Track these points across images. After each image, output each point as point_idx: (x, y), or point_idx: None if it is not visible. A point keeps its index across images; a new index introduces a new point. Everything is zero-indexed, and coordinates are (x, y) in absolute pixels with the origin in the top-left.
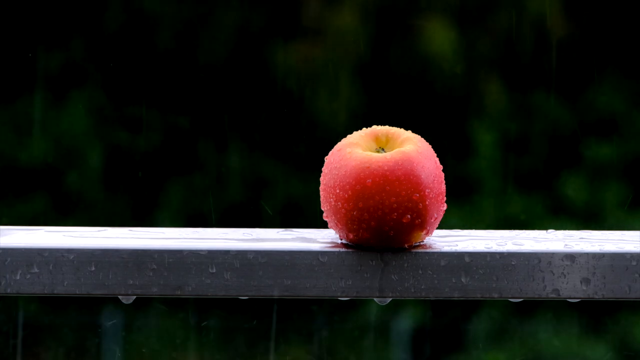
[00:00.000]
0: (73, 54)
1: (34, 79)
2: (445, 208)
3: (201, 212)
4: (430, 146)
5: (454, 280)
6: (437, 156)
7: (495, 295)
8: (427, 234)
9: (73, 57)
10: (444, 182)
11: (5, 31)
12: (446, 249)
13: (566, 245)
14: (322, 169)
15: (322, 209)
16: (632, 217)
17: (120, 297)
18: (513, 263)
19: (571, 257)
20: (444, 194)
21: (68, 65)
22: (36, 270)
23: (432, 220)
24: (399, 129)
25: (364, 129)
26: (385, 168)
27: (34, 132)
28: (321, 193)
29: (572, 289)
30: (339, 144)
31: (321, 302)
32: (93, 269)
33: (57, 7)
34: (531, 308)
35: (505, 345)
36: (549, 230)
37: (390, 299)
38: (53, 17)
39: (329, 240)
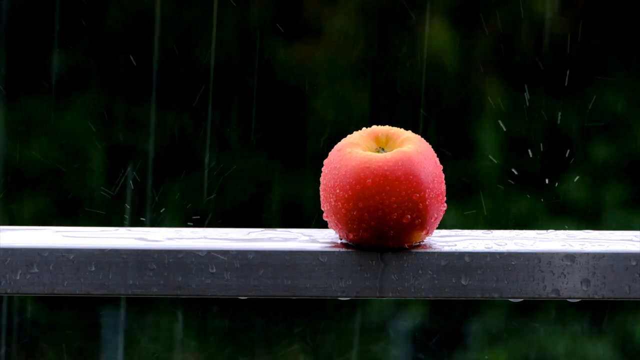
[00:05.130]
0: (75, 54)
1: (36, 80)
2: (445, 208)
3: (201, 212)
4: (430, 146)
5: (454, 280)
6: (437, 156)
7: (495, 295)
8: (427, 234)
9: (75, 58)
10: (444, 182)
11: (8, 32)
12: (446, 249)
13: (566, 245)
14: (322, 169)
15: (322, 209)
16: (632, 217)
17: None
18: (513, 263)
19: (571, 257)
20: (444, 194)
21: (70, 65)
22: (36, 270)
23: (432, 220)
24: (399, 129)
25: (364, 128)
26: (385, 168)
27: (35, 132)
28: (321, 193)
29: (572, 289)
30: (339, 144)
31: (321, 302)
32: (93, 269)
33: (59, 8)
34: (531, 308)
35: (505, 345)
36: (549, 230)
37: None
38: (55, 18)
39: (329, 240)
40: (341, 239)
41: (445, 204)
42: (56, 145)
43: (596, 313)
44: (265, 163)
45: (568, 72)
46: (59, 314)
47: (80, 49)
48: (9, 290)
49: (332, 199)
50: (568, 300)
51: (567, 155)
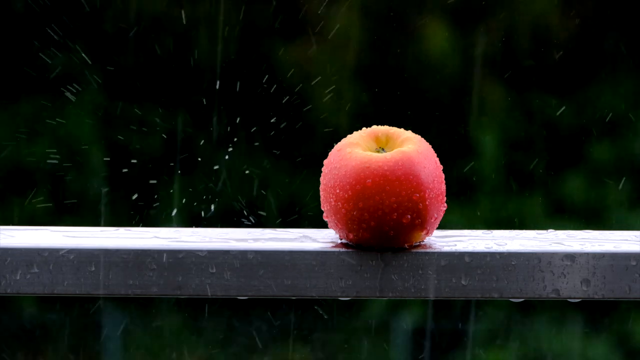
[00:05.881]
0: (75, 54)
1: (36, 80)
2: (445, 208)
3: (201, 212)
4: (430, 146)
5: (454, 280)
6: (437, 156)
7: (495, 295)
8: (427, 234)
9: (74, 58)
10: (444, 182)
11: (7, 31)
12: (446, 249)
13: (566, 245)
14: (322, 169)
15: (322, 209)
16: (632, 217)
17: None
18: (513, 263)
19: (571, 257)
20: (444, 194)
21: (70, 65)
22: (36, 270)
23: (432, 220)
24: (399, 129)
25: (364, 129)
26: (385, 168)
27: (35, 132)
28: (321, 193)
29: (572, 289)
30: (339, 144)
31: (321, 301)
32: (93, 269)
33: (59, 8)
34: (532, 307)
35: (505, 345)
36: (549, 230)
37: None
38: (55, 18)
39: (329, 240)
40: (341, 239)
41: (445, 204)
42: (56, 145)
43: (596, 313)
44: (265, 163)
45: (568, 72)
46: (59, 313)
47: (81, 49)
48: (9, 290)
49: (332, 199)
50: (568, 300)
51: (567, 155)
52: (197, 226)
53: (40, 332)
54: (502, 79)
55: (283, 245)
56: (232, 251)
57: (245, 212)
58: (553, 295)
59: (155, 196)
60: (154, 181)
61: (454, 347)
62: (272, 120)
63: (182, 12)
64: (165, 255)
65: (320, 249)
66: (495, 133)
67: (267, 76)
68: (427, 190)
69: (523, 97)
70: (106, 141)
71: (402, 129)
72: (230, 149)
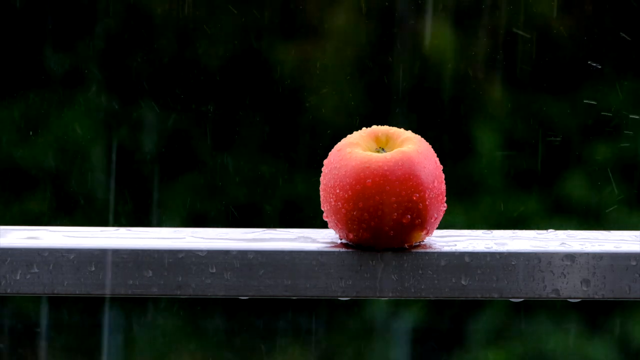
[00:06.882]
0: (75, 54)
1: (36, 79)
2: (445, 208)
3: (201, 212)
4: (430, 146)
5: (454, 280)
6: (437, 156)
7: (495, 295)
8: (427, 234)
9: (75, 58)
10: (444, 182)
11: (7, 31)
12: (446, 249)
13: (566, 245)
14: (322, 169)
15: (322, 209)
16: (632, 217)
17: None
18: (513, 263)
19: (571, 257)
20: (444, 194)
21: (70, 65)
22: (36, 270)
23: (432, 220)
24: (399, 129)
25: (364, 128)
26: (385, 168)
27: (35, 132)
28: (321, 193)
29: (572, 289)
30: (339, 144)
31: (321, 302)
32: (93, 269)
33: (59, 8)
34: (532, 307)
35: (505, 344)
36: (549, 230)
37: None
38: (55, 18)
39: (329, 240)
40: (341, 239)
41: (445, 204)
42: (56, 145)
43: (596, 313)
44: (265, 163)
45: (568, 72)
46: (59, 314)
47: (81, 48)
48: (9, 290)
49: (332, 199)
50: (568, 300)
51: (567, 155)
52: (197, 226)
53: (39, 331)
54: (503, 79)
55: (283, 245)
56: (232, 251)
57: (245, 212)
58: (553, 295)
59: (156, 196)
60: (154, 181)
61: (454, 347)
62: (271, 120)
63: (182, 11)
64: (165, 255)
65: (320, 249)
66: (496, 133)
67: (266, 75)
68: (427, 190)
69: (523, 96)
70: (106, 141)
71: (402, 129)
72: (230, 149)
